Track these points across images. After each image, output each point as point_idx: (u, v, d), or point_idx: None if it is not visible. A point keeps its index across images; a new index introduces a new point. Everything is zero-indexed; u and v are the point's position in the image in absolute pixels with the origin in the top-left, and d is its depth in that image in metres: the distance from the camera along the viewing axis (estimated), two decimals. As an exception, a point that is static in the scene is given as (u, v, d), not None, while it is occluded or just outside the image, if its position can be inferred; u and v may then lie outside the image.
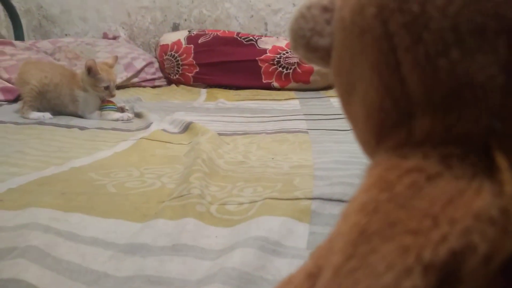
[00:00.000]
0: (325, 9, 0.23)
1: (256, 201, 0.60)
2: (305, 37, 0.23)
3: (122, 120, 1.30)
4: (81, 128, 1.18)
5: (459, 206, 0.15)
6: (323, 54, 0.23)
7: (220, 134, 1.05)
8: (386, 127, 0.18)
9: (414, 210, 0.15)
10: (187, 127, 1.14)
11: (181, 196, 0.62)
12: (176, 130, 1.15)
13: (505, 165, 0.15)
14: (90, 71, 1.27)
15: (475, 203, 0.15)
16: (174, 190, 0.66)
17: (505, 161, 0.16)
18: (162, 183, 0.72)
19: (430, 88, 0.17)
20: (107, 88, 1.31)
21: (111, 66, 1.35)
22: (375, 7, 0.17)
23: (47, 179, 0.73)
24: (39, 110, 1.31)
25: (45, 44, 1.98)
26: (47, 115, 1.29)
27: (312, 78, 1.90)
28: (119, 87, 1.84)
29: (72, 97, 1.32)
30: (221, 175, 0.75)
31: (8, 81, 1.59)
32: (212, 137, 0.97)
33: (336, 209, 0.57)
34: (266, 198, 0.60)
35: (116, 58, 1.40)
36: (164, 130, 1.14)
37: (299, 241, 0.50)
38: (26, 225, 0.53)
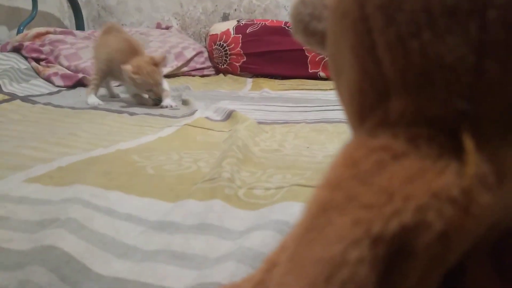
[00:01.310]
0: (324, -6, 0.24)
1: (282, 187, 0.61)
2: (303, 21, 0.24)
3: (167, 107, 1.32)
4: (131, 114, 1.24)
5: (419, 184, 0.15)
6: (321, 38, 0.24)
7: (260, 123, 1.06)
8: (365, 108, 0.19)
9: (374, 186, 0.15)
10: (229, 115, 1.16)
11: (212, 179, 0.64)
12: (219, 118, 1.18)
13: (470, 147, 0.15)
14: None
15: (436, 181, 0.15)
16: (207, 173, 0.69)
17: (472, 142, 0.16)
18: (198, 167, 0.75)
19: (403, 70, 0.17)
20: (149, 90, 1.29)
21: (156, 64, 1.28)
22: (354, -10, 0.18)
23: (93, 160, 0.78)
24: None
25: (102, 34, 2.09)
26: (96, 102, 1.35)
27: (360, 68, 1.86)
28: (169, 75, 1.91)
29: (120, 75, 1.31)
30: (254, 161, 0.76)
31: (68, 68, 1.70)
32: (250, 125, 0.99)
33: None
34: (292, 185, 0.61)
35: (164, 58, 1.31)
36: (207, 117, 1.17)
37: (321, 227, 0.51)
38: (70, 199, 0.58)
